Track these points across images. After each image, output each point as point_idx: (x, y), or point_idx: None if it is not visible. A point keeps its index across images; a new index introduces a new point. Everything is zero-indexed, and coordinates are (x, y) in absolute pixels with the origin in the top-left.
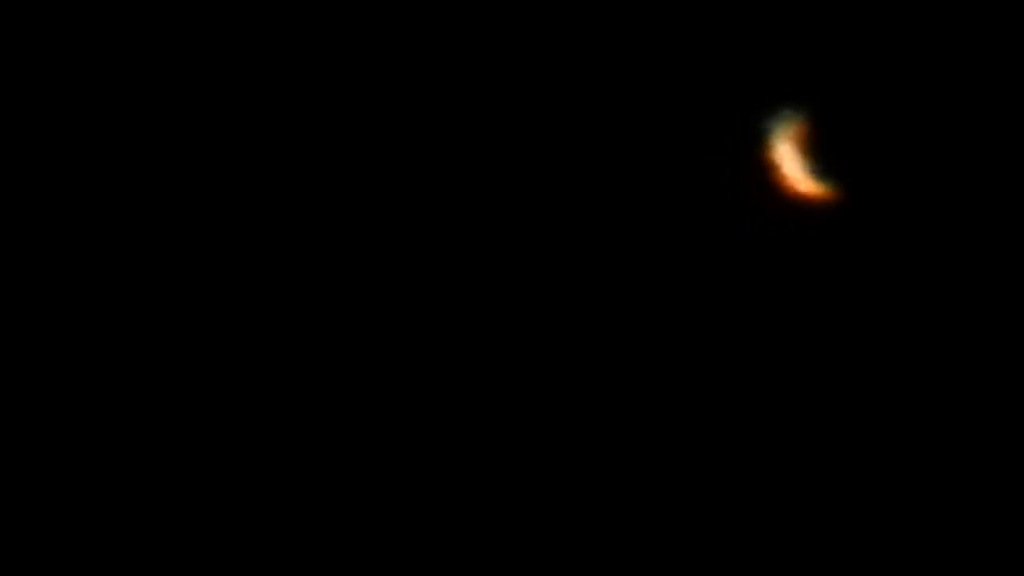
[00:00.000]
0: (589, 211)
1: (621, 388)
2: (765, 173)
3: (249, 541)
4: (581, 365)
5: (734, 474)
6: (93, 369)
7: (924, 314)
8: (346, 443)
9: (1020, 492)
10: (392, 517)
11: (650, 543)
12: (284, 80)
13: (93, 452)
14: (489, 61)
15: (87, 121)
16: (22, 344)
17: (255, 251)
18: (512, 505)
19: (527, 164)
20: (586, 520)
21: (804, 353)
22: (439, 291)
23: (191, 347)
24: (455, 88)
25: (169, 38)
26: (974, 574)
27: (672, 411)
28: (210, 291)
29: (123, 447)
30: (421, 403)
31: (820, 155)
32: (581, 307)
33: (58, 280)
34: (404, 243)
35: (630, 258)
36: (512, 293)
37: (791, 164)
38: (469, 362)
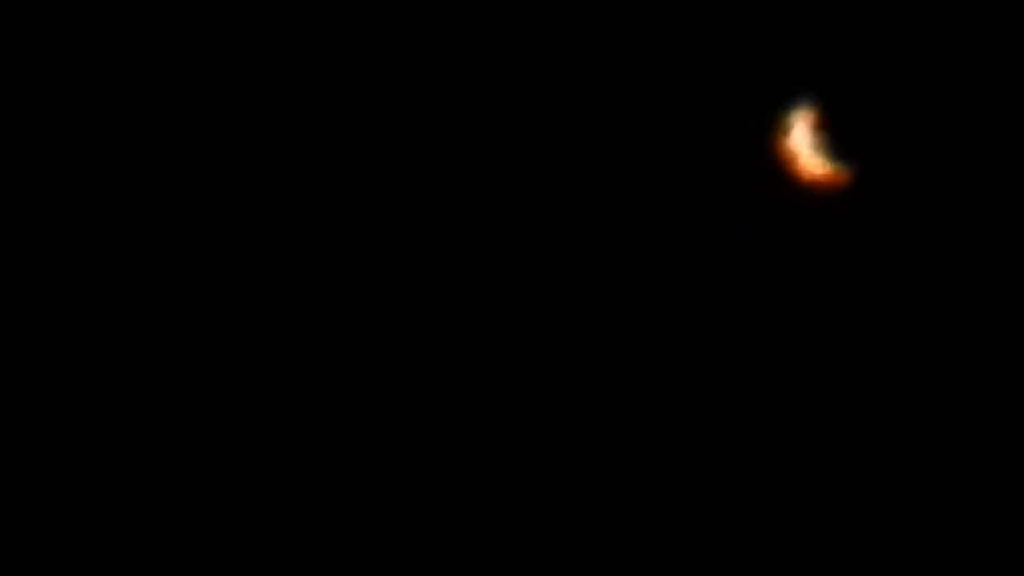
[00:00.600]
0: (606, 201)
1: (643, 378)
2: (780, 160)
3: (249, 541)
4: (599, 357)
5: (750, 469)
6: (93, 368)
7: (937, 301)
8: (346, 443)
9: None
10: (392, 517)
11: (650, 542)
12: (284, 80)
13: (93, 452)
14: (508, 59)
15: (87, 121)
16: (22, 344)
17: (255, 251)
18: (512, 505)
19: (543, 158)
20: (586, 520)
21: (819, 339)
22: (440, 290)
23: (191, 346)
24: (456, 88)
25: (169, 38)
26: (974, 574)
27: (695, 399)
28: (210, 291)
29: (123, 447)
30: (421, 403)
31: (834, 141)
32: (600, 298)
33: (58, 280)
34: (404, 243)
35: (649, 246)
36: (535, 285)
37: (806, 150)
38: (470, 361)
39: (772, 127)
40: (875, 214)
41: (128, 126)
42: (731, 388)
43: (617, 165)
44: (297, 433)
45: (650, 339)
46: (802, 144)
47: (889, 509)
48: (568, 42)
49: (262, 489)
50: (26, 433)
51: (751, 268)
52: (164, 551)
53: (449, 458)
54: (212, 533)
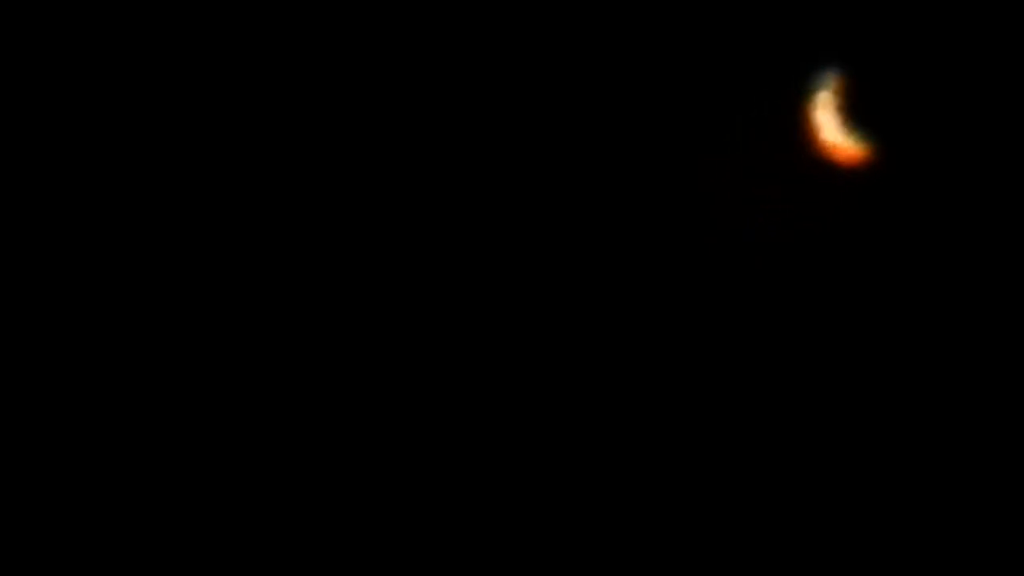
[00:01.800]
0: (618, 184)
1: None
2: (804, 137)
3: (249, 541)
4: (613, 352)
5: (760, 470)
6: (93, 369)
7: (961, 285)
8: (346, 443)
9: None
10: (392, 517)
11: (650, 543)
12: (284, 80)
13: (93, 452)
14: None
15: (87, 121)
16: (22, 344)
17: (255, 251)
18: (512, 505)
19: (555, 134)
20: (586, 520)
21: (839, 325)
22: (439, 291)
23: (191, 347)
24: (455, 88)
25: (169, 38)
26: (974, 574)
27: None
28: (210, 291)
29: (123, 447)
30: (421, 403)
31: (860, 118)
32: (612, 289)
33: (58, 280)
34: (404, 243)
35: (662, 230)
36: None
37: (830, 127)
38: (469, 362)
39: (795, 102)
40: (905, 196)
41: (128, 126)
42: (755, 383)
43: (630, 143)
44: (297, 433)
45: (670, 331)
46: (827, 120)
47: (909, 513)
48: (578, 16)
49: (262, 489)
50: (26, 433)
51: (770, 254)
52: (164, 551)
53: (449, 458)
54: (212, 533)
